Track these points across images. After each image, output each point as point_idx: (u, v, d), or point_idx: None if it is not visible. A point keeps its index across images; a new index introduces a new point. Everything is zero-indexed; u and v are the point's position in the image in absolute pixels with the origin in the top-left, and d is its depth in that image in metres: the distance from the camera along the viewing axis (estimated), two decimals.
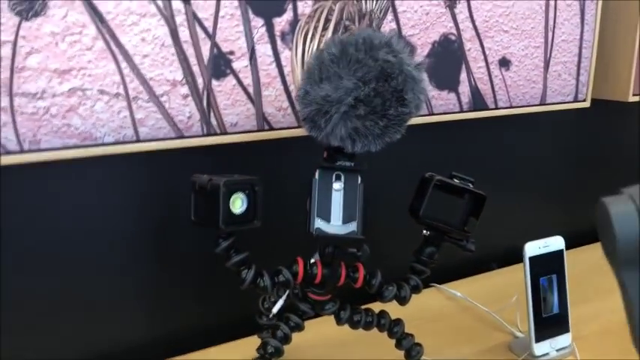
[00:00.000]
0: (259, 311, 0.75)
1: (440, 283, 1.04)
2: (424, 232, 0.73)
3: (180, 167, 0.80)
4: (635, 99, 1.11)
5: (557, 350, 0.84)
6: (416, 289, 0.75)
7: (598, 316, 0.94)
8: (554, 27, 1.04)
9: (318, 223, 0.63)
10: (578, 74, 1.08)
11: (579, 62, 1.08)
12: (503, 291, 0.98)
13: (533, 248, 0.82)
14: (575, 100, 1.09)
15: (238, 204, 0.65)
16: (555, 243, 0.84)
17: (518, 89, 1.03)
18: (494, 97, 1.01)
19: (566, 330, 0.85)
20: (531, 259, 0.81)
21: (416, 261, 0.75)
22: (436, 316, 0.95)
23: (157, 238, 0.82)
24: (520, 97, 1.03)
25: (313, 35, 0.81)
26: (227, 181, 0.63)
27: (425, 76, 0.65)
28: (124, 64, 0.70)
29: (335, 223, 0.64)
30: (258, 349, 0.70)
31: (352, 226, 0.64)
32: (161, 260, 0.83)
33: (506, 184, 1.14)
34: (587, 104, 1.11)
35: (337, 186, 0.64)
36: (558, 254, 0.84)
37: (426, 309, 0.96)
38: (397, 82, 0.59)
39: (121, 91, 0.70)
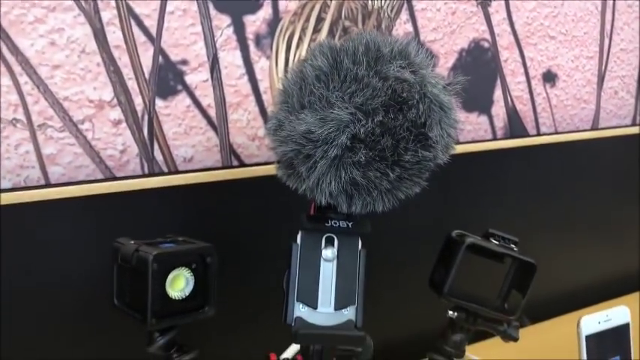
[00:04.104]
0: None
1: None
2: (449, 313, 0.59)
3: (108, 222, 0.57)
4: None
5: None
6: None
7: None
8: (611, 32, 0.92)
9: (300, 311, 0.48)
10: (638, 91, 0.97)
11: None
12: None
13: (592, 324, 0.68)
14: (634, 124, 0.99)
15: (180, 284, 0.49)
16: (619, 315, 0.70)
17: (566, 110, 0.89)
18: (536, 120, 0.86)
19: None
20: (589, 337, 0.67)
21: (436, 351, 0.60)
22: None
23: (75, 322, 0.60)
24: (567, 121, 0.90)
25: (300, 39, 0.67)
26: (160, 254, 0.46)
27: (456, 103, 0.46)
28: (24, 79, 0.51)
29: (324, 309, 0.49)
30: None
31: (348, 314, 0.48)
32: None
33: (551, 225, 0.99)
34: None
35: (328, 254, 0.49)
36: (623, 330, 0.70)
37: None
38: (418, 111, 0.43)
39: (21, 116, 0.51)
